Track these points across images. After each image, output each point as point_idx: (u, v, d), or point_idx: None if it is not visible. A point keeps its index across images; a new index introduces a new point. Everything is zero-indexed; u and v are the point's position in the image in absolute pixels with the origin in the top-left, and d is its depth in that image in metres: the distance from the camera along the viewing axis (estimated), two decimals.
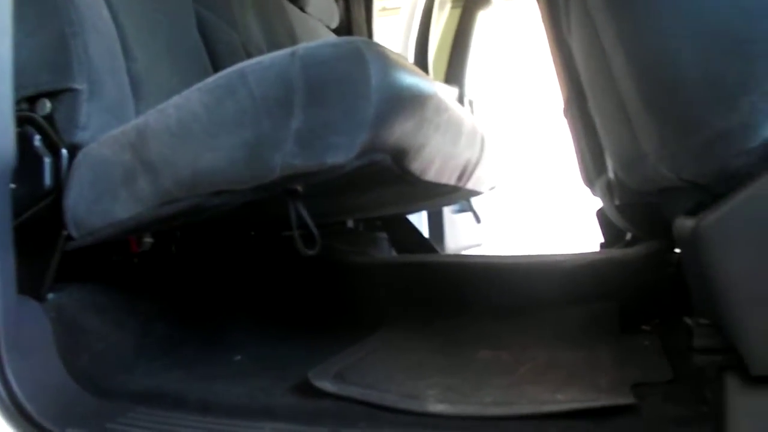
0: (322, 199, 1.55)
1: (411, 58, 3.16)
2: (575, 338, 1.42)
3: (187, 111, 1.11)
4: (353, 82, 1.05)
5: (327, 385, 1.13)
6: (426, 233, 2.94)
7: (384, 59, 1.10)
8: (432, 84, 1.32)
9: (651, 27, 0.87)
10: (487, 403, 1.06)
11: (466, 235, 3.22)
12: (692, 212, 0.95)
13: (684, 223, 0.95)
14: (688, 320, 1.01)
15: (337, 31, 3.06)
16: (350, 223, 2.67)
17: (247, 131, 1.06)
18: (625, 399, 1.02)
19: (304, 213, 1.16)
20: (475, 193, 2.29)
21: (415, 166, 1.33)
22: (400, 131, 1.18)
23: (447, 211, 3.01)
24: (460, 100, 3.46)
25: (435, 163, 1.45)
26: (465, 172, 1.79)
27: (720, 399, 0.92)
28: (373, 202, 1.91)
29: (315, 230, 1.18)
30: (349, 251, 2.18)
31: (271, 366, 1.35)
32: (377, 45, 1.13)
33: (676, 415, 1.00)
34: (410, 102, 1.18)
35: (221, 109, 1.08)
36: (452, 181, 1.71)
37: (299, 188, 1.17)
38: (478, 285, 1.75)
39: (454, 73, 3.51)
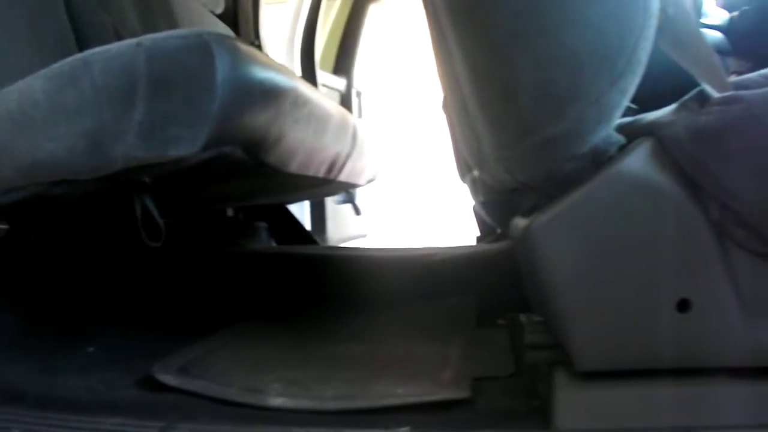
0: (185, 190, 1.53)
1: (298, 48, 3.14)
2: (431, 332, 1.45)
3: (28, 97, 1.08)
4: (198, 75, 1.05)
5: (169, 379, 1.12)
6: (309, 223, 2.95)
7: (233, 53, 1.10)
8: (290, 78, 1.32)
9: (487, 33, 0.89)
10: (328, 397, 1.07)
11: (350, 226, 3.23)
12: (527, 213, 0.98)
13: (518, 223, 0.99)
14: (522, 317, 1.04)
15: (223, 17, 3.01)
16: (231, 212, 2.65)
17: (88, 121, 1.03)
18: (462, 393, 1.05)
19: (150, 204, 1.15)
20: (352, 186, 2.30)
21: (273, 158, 1.33)
22: (252, 124, 1.18)
23: (330, 202, 3.01)
24: (348, 91, 3.47)
25: (297, 155, 1.45)
26: (335, 165, 1.80)
27: (549, 393, 0.95)
28: (246, 192, 1.90)
29: (161, 222, 1.16)
30: (223, 241, 2.16)
31: (120, 359, 1.33)
32: (228, 39, 1.12)
33: (509, 408, 1.03)
34: (262, 96, 1.18)
35: (62, 97, 1.05)
36: (321, 174, 1.72)
37: (147, 179, 1.16)
38: (343, 277, 1.77)
39: (342, 65, 3.51)
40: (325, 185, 1.94)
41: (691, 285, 0.90)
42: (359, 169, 2.13)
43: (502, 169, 0.98)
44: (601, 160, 0.89)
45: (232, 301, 1.72)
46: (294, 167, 1.47)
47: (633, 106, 1.54)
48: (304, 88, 1.40)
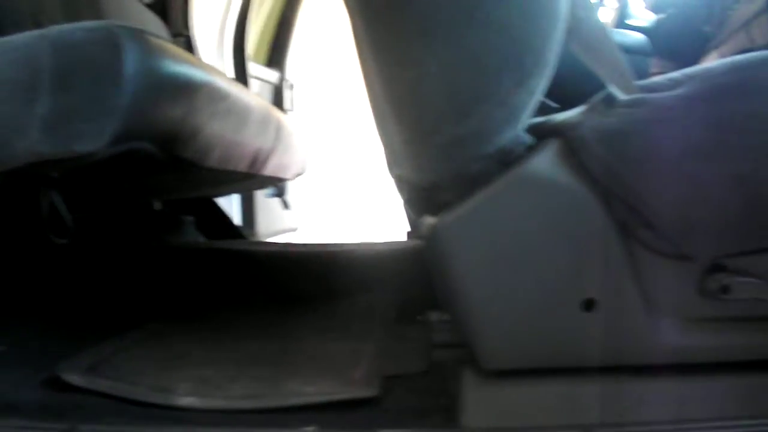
0: (98, 184, 1.50)
1: (230, 39, 3.10)
2: (348, 329, 1.45)
3: None
4: (105, 68, 1.03)
5: (75, 379, 1.10)
6: (238, 217, 2.92)
7: (143, 47, 1.08)
8: (207, 72, 1.30)
9: (394, 31, 0.89)
10: (237, 396, 1.06)
11: (280, 220, 3.21)
12: (436, 211, 0.99)
13: (426, 222, 0.99)
14: (432, 315, 1.04)
15: (152, 7, 2.95)
16: (158, 205, 2.60)
17: None
18: (370, 391, 1.05)
19: (58, 199, 1.12)
20: (278, 180, 2.29)
21: (189, 153, 1.31)
22: (164, 119, 1.16)
23: (260, 195, 2.99)
24: (281, 83, 3.44)
25: (216, 150, 1.44)
26: (258, 160, 1.78)
27: (457, 392, 0.96)
28: (166, 186, 1.88)
29: (68, 217, 1.14)
30: (147, 235, 2.13)
31: (31, 358, 1.29)
32: (138, 32, 1.10)
33: (417, 406, 1.03)
34: (175, 90, 1.16)
35: None
36: (243, 168, 1.70)
37: (55, 174, 1.13)
38: (264, 273, 1.75)
39: (276, 57, 3.48)
40: (249, 180, 1.92)
41: (596, 284, 0.91)
42: (285, 163, 2.12)
43: (411, 168, 0.98)
44: (508, 160, 0.90)
45: (152, 297, 1.69)
46: (213, 162, 1.45)
47: (554, 105, 1.56)
48: (222, 82, 1.39)
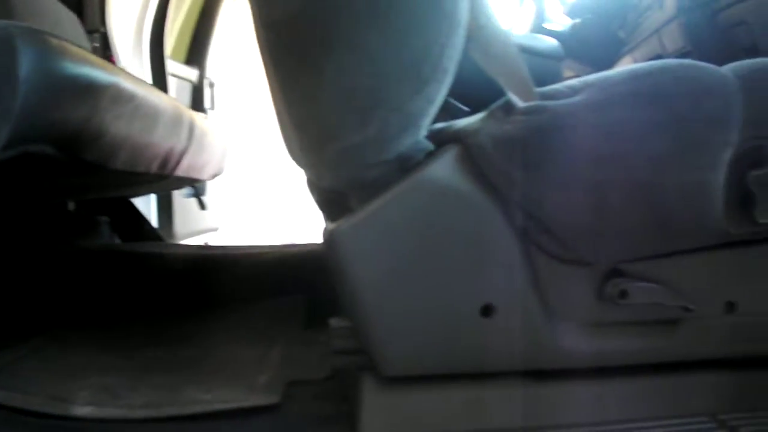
0: (4, 186, 1.46)
1: (147, 35, 3.05)
2: (257, 333, 1.43)
3: None
4: None
5: None
6: (155, 218, 2.87)
7: (41, 47, 1.05)
8: (110, 73, 1.27)
9: (291, 37, 0.88)
10: (137, 405, 1.04)
11: (199, 221, 3.17)
12: (336, 217, 0.98)
13: (326, 228, 0.98)
14: (332, 321, 1.04)
15: (67, 2, 2.88)
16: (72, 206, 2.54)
17: None
18: (272, 398, 1.04)
19: None
20: (193, 180, 2.26)
21: (93, 156, 1.28)
22: (64, 121, 1.13)
23: (178, 196, 2.94)
24: (200, 82, 3.39)
25: (122, 152, 1.41)
26: (170, 161, 1.76)
27: (356, 398, 0.96)
28: (74, 187, 1.83)
29: None
30: (58, 237, 2.07)
31: None
32: (36, 32, 1.07)
33: (318, 413, 1.03)
34: (76, 92, 1.14)
35: None
36: (153, 170, 1.67)
37: None
38: (175, 277, 1.73)
39: (195, 54, 3.43)
40: (162, 180, 1.89)
41: (494, 290, 0.92)
42: (200, 163, 2.09)
43: (312, 174, 0.97)
44: (407, 166, 0.90)
45: (59, 302, 1.65)
46: (120, 164, 1.42)
47: (465, 108, 1.57)
48: (128, 83, 1.36)
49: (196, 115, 1.97)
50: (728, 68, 0.99)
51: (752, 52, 1.67)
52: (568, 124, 0.88)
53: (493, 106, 0.94)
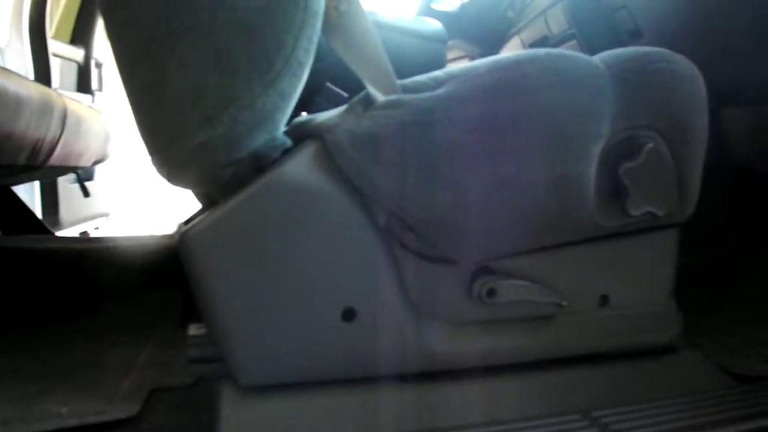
0: None
1: (27, 14, 2.89)
2: (130, 333, 1.37)
3: None
4: None
5: None
6: (39, 206, 2.75)
7: None
8: None
9: (133, 30, 0.82)
10: None
11: (87, 207, 3.04)
12: (192, 217, 0.93)
13: (178, 228, 0.93)
14: (189, 328, 0.98)
15: None
16: None
17: None
18: (131, 409, 0.99)
19: None
20: (71, 168, 2.16)
21: None
22: None
23: (63, 182, 2.81)
24: (87, 62, 3.25)
25: None
26: (40, 151, 1.67)
27: (215, 408, 0.91)
28: None
29: None
30: None
31: None
32: None
33: (177, 424, 0.98)
34: None
35: None
36: (21, 162, 1.58)
37: None
38: (48, 272, 1.63)
39: (81, 34, 3.28)
40: (32, 171, 1.79)
41: (356, 293, 0.89)
42: (78, 151, 2.00)
43: (162, 173, 0.91)
44: (262, 164, 0.85)
45: None
46: None
47: (343, 93, 1.52)
48: None
49: (70, 101, 1.88)
50: (599, 57, 0.98)
51: (635, 35, 1.67)
52: (427, 119, 0.84)
53: (353, 99, 0.89)
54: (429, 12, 2.32)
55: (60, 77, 2.96)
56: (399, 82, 0.91)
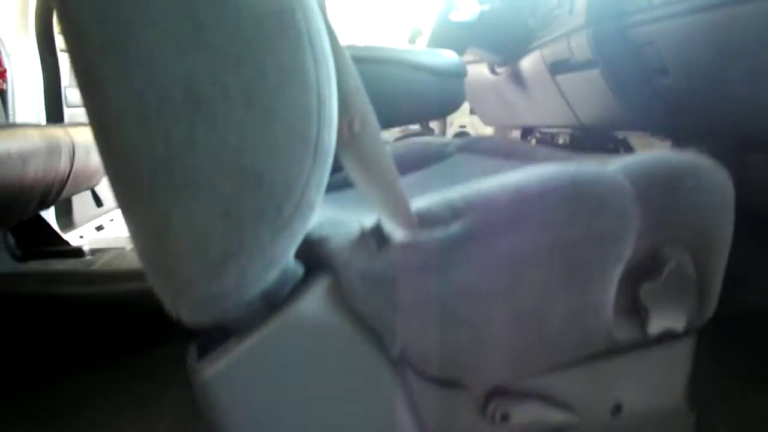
0: None
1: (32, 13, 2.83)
2: (143, 392, 1.36)
3: None
4: None
5: None
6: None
7: None
8: None
9: (136, 180, 0.79)
10: None
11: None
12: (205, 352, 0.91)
13: (192, 365, 0.91)
14: None
15: None
16: None
17: None
18: None
19: None
20: (85, 189, 2.14)
21: None
22: None
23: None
24: None
25: None
26: (51, 191, 1.65)
27: None
28: None
29: None
30: None
31: None
32: None
33: None
34: None
35: None
36: (34, 207, 1.57)
37: None
38: (52, 320, 1.61)
39: None
40: (42, 207, 1.78)
41: (371, 425, 0.87)
42: (89, 174, 1.98)
43: (173, 314, 0.88)
44: (275, 301, 0.83)
45: None
46: None
47: None
48: None
49: (77, 132, 1.83)
50: (623, 167, 0.93)
51: (661, 72, 1.62)
52: (444, 264, 0.81)
53: (366, 230, 0.86)
54: (447, 24, 2.26)
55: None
56: (413, 207, 0.87)
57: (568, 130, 2.48)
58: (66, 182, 1.72)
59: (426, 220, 0.86)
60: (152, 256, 0.81)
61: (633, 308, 0.93)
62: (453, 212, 0.86)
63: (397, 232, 0.84)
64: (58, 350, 1.54)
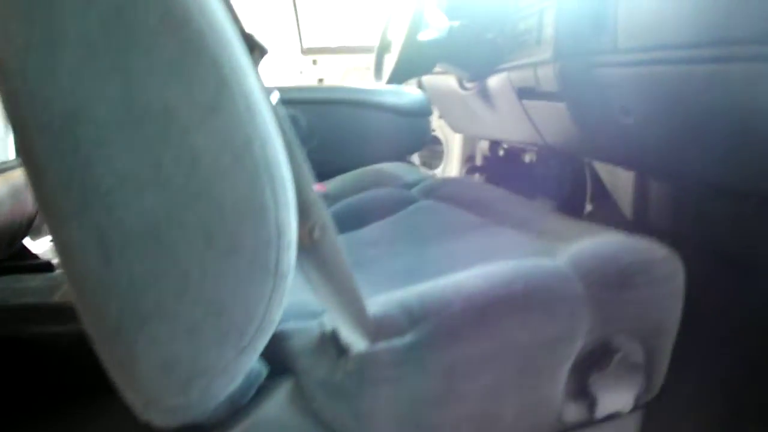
0: None
1: None
2: None
3: None
4: None
5: None
6: None
7: None
8: None
9: (103, 305, 0.81)
10: None
11: None
12: None
13: None
14: None
15: None
16: None
17: None
18: None
19: None
20: None
21: None
22: None
23: None
24: None
25: None
26: (19, 232, 1.65)
27: None
28: None
29: None
30: None
31: None
32: None
33: None
34: None
35: None
36: (4, 248, 1.57)
37: None
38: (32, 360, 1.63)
39: None
40: (12, 248, 1.78)
41: None
42: None
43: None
44: (238, 405, 0.86)
45: None
46: None
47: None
48: None
49: None
50: (572, 265, 0.96)
51: (625, 112, 1.64)
52: (401, 375, 0.85)
53: (326, 334, 0.89)
54: (415, 44, 2.26)
55: None
56: (371, 311, 0.90)
57: (535, 148, 2.50)
58: (35, 217, 1.72)
59: (383, 328, 0.89)
60: (119, 376, 0.84)
61: (581, 392, 0.97)
62: (410, 319, 0.89)
63: (355, 341, 0.87)
64: (30, 391, 1.55)
